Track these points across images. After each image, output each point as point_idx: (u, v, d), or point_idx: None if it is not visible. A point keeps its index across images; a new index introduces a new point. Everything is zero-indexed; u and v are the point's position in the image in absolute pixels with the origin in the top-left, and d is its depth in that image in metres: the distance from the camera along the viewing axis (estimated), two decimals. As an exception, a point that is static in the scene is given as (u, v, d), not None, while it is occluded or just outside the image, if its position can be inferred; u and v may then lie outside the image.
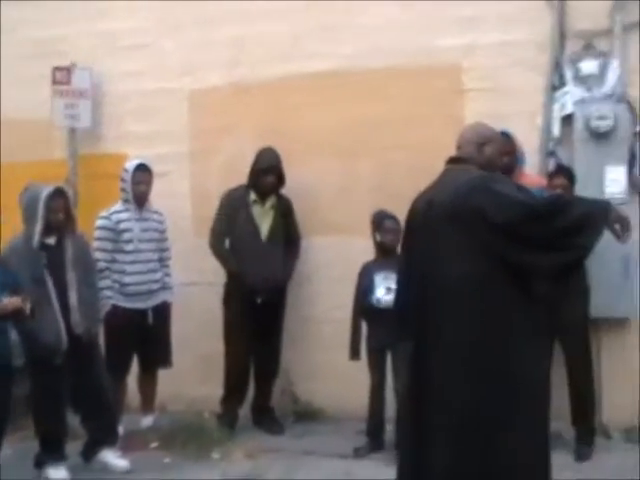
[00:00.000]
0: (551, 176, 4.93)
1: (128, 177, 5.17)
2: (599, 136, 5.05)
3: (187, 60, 6.00)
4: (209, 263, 5.49)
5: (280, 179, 5.36)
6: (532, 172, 4.95)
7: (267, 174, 5.28)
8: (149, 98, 6.05)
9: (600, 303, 4.86)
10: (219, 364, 5.37)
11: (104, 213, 5.17)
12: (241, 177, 5.38)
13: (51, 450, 4.56)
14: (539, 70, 5.29)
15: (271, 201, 5.36)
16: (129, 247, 5.12)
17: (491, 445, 3.10)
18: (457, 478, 3.14)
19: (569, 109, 5.21)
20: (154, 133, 6.01)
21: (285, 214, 5.41)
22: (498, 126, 3.91)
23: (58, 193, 4.61)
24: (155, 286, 5.22)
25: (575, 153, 5.15)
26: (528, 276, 3.13)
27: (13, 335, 4.30)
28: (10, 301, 4.17)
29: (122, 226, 5.12)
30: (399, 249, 4.70)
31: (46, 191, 4.53)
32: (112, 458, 4.74)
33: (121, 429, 4.97)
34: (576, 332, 4.73)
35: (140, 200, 5.20)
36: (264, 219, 5.33)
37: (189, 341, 5.67)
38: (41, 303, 4.36)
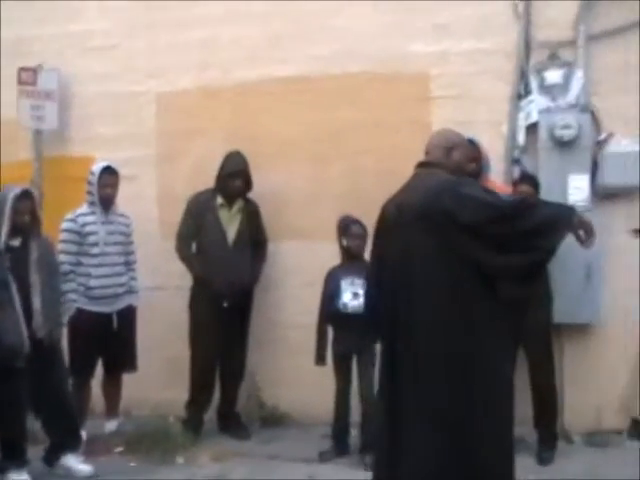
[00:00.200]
0: (516, 184, 5.01)
1: (94, 180, 5.13)
2: (563, 145, 5.13)
3: (156, 63, 5.98)
4: (175, 267, 5.47)
5: (247, 183, 5.36)
6: (497, 179, 5.01)
7: (234, 178, 5.28)
8: (117, 100, 6.02)
9: (563, 309, 4.94)
10: (185, 368, 5.34)
11: (70, 216, 5.13)
12: (209, 181, 5.37)
13: (13, 455, 4.49)
14: (505, 79, 5.37)
15: (238, 205, 5.35)
16: (95, 250, 5.08)
17: (460, 446, 3.14)
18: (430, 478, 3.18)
19: (534, 118, 5.29)
20: (121, 136, 5.97)
21: (252, 218, 5.40)
22: (465, 133, 3.94)
23: (25, 195, 4.57)
24: (121, 290, 5.18)
25: (539, 161, 5.23)
26: (494, 277, 3.18)
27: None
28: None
29: (88, 229, 5.08)
30: (365, 254, 4.81)
31: (13, 192, 4.49)
32: (75, 463, 4.69)
33: (84, 434, 4.92)
34: (539, 337, 4.79)
35: (106, 203, 5.17)
36: (231, 223, 5.32)
37: (155, 345, 5.64)
38: (4, 305, 4.30)
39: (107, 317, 5.10)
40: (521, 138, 5.33)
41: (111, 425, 5.31)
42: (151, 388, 5.62)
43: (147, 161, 5.98)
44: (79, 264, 5.05)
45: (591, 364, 5.23)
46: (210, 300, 5.20)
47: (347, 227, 4.95)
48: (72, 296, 4.99)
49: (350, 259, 4.95)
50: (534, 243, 3.11)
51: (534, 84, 5.33)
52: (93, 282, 5.05)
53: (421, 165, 3.45)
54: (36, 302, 4.51)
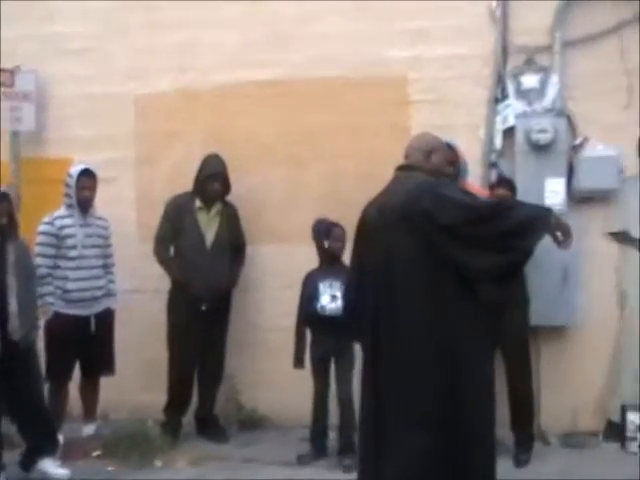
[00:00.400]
0: (493, 187, 5.06)
1: (72, 182, 5.10)
2: (539, 149, 5.18)
3: (134, 65, 5.96)
4: (154, 270, 5.45)
5: (226, 186, 5.36)
6: (475, 183, 5.04)
7: (212, 181, 5.28)
8: (95, 102, 5.98)
9: (539, 312, 4.98)
10: (163, 371, 5.33)
11: (47, 218, 5.09)
12: (187, 184, 5.36)
13: (-12, 460, 4.46)
14: (482, 83, 5.42)
15: (216, 208, 5.35)
16: (72, 253, 5.05)
17: (443, 446, 3.18)
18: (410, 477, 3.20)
19: (511, 122, 5.34)
20: (100, 138, 5.94)
21: (231, 221, 5.40)
22: (443, 137, 3.98)
23: (2, 197, 4.55)
24: (99, 293, 5.16)
25: (516, 165, 5.28)
26: (473, 278, 3.22)
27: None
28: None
29: (65, 232, 5.05)
30: (343, 257, 4.83)
31: (-10, 194, 4.47)
32: (52, 467, 4.65)
33: (61, 437, 4.88)
34: (516, 340, 4.81)
35: (84, 206, 5.14)
36: (209, 226, 5.31)
37: (133, 348, 5.62)
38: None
39: (85, 320, 5.07)
40: (498, 142, 5.38)
41: (89, 429, 5.28)
42: (129, 391, 5.60)
43: (125, 163, 5.95)
44: (56, 267, 5.02)
45: (567, 366, 5.29)
46: (188, 303, 5.19)
47: (330, 229, 4.96)
48: (49, 299, 4.95)
49: (329, 262, 4.96)
50: (512, 244, 3.16)
51: (511, 89, 5.38)
52: (71, 285, 5.02)
53: (401, 168, 3.50)
54: (12, 305, 4.47)
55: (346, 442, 4.82)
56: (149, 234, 5.45)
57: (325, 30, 5.65)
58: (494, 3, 5.41)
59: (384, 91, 5.52)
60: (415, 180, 3.35)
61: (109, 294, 5.24)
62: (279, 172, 5.68)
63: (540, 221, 3.19)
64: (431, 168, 3.44)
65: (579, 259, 5.19)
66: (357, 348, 4.41)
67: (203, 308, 5.20)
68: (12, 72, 5.98)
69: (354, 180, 5.43)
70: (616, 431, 5.15)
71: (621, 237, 5.30)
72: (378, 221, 3.35)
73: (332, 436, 4.98)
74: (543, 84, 5.33)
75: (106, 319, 5.21)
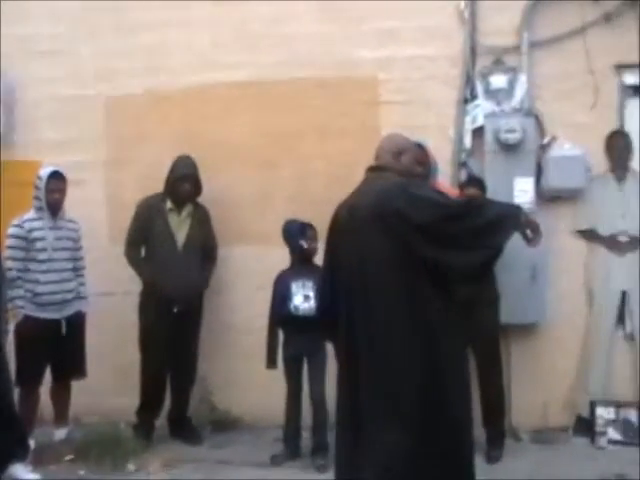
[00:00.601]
0: (463, 186, 5.10)
1: (42, 185, 5.06)
2: (508, 148, 5.24)
3: (104, 66, 5.92)
4: (125, 272, 5.43)
5: (196, 187, 5.35)
6: (445, 182, 5.08)
7: (183, 182, 5.27)
8: (65, 104, 5.94)
9: (509, 310, 5.03)
10: (135, 374, 5.30)
11: (16, 221, 5.04)
12: (158, 185, 5.34)
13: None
14: (451, 84, 5.46)
15: (187, 209, 5.34)
16: (42, 256, 5.01)
17: (421, 445, 3.20)
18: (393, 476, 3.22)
19: (480, 122, 5.39)
20: (70, 140, 5.90)
21: (202, 223, 5.39)
22: (413, 137, 4.02)
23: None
24: (69, 296, 5.12)
25: (485, 164, 5.33)
26: (446, 276, 3.25)
27: None
28: None
29: (35, 235, 5.01)
30: (315, 257, 4.85)
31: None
32: (23, 472, 4.61)
33: (33, 442, 4.84)
34: (486, 338, 4.86)
35: (54, 208, 5.10)
36: (180, 228, 5.30)
37: (104, 351, 5.59)
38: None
39: (55, 323, 5.03)
40: (467, 142, 5.43)
41: (60, 433, 5.24)
42: (101, 395, 5.57)
43: (95, 165, 5.92)
44: (26, 270, 4.97)
45: (537, 363, 5.35)
46: (160, 305, 5.17)
47: (304, 230, 4.97)
48: (19, 302, 4.91)
49: (301, 262, 4.97)
50: (483, 241, 3.21)
51: (480, 89, 5.43)
52: (41, 288, 4.98)
53: (371, 169, 3.53)
54: (-19, 309, 4.44)
55: (319, 442, 4.84)
56: (120, 236, 5.42)
57: (295, 31, 5.66)
58: (462, 4, 5.46)
59: (354, 92, 5.54)
60: (386, 181, 3.38)
61: (80, 297, 5.21)
62: (250, 173, 5.69)
63: (510, 219, 3.24)
64: (401, 169, 3.47)
65: (548, 257, 5.25)
66: (329, 348, 4.45)
67: (175, 310, 5.19)
68: (-21, 74, 5.92)
69: (325, 181, 5.46)
70: (585, 426, 5.22)
71: (589, 235, 5.37)
72: (350, 221, 3.37)
73: (305, 436, 4.99)
74: (511, 84, 5.38)
75: (77, 322, 5.17)
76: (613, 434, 5.11)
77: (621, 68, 5.36)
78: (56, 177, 5.09)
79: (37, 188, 5.09)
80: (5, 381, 4.62)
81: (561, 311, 5.31)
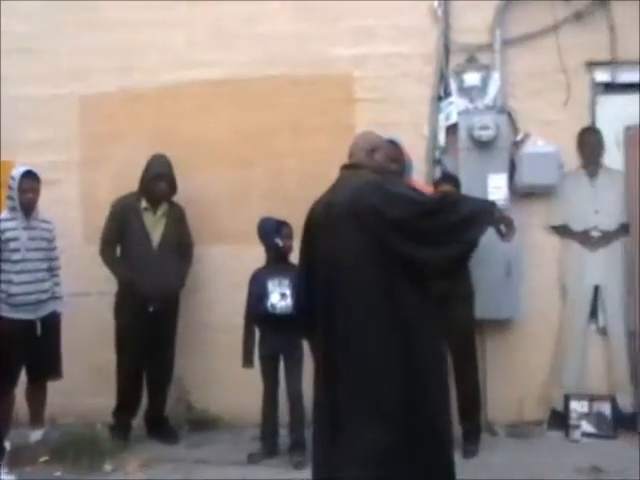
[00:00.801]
0: (437, 183, 5.13)
1: (15, 185, 5.01)
2: (482, 145, 5.28)
3: (78, 65, 5.88)
4: (100, 272, 5.39)
5: (172, 186, 5.34)
6: (419, 179, 5.11)
7: (158, 181, 5.25)
8: (38, 103, 5.88)
9: (484, 305, 5.06)
10: (111, 374, 5.28)
11: (-11, 221, 5.01)
12: (133, 185, 5.32)
13: None
14: (425, 81, 5.50)
15: (163, 209, 5.33)
16: (16, 256, 4.96)
17: (403, 441, 3.22)
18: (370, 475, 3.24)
19: (453, 119, 5.43)
20: (43, 139, 5.85)
21: (177, 222, 5.37)
22: (387, 135, 4.06)
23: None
24: (44, 296, 5.08)
25: (460, 161, 5.37)
26: (421, 271, 3.28)
27: None
28: None
29: (8, 235, 4.97)
30: (290, 255, 4.86)
31: None
32: (-2, 474, 4.59)
33: (8, 444, 4.80)
34: (462, 334, 4.88)
35: (27, 208, 5.06)
36: (156, 227, 5.29)
37: (80, 351, 5.55)
38: None
39: (30, 324, 4.99)
40: (441, 139, 5.47)
41: (36, 434, 5.19)
42: (77, 395, 5.54)
43: (70, 165, 5.88)
44: (0, 271, 4.93)
45: (512, 358, 5.40)
46: (135, 304, 5.15)
47: (280, 228, 4.97)
48: (-7, 303, 4.88)
49: (276, 260, 4.98)
50: (458, 236, 3.24)
51: (453, 86, 5.47)
52: (15, 289, 4.94)
53: (346, 167, 3.56)
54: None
55: (297, 439, 4.85)
56: (95, 235, 5.40)
57: (270, 29, 5.66)
58: (436, 2, 5.49)
59: (329, 89, 5.56)
60: (361, 178, 3.41)
61: (55, 297, 5.17)
62: (225, 171, 5.68)
63: (484, 214, 3.28)
64: (375, 166, 3.50)
65: (522, 253, 5.30)
66: (306, 346, 4.47)
67: (151, 309, 5.17)
68: (-49, 73, 5.86)
69: (299, 178, 5.48)
70: (560, 420, 5.28)
71: (562, 231, 5.43)
72: (326, 219, 3.39)
73: (283, 433, 5.00)
74: (484, 82, 5.43)
75: (52, 322, 5.13)
76: (587, 427, 5.18)
77: (592, 65, 5.43)
78: (29, 177, 5.05)
79: (10, 188, 5.04)
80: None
81: (535, 306, 5.36)
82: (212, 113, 5.69)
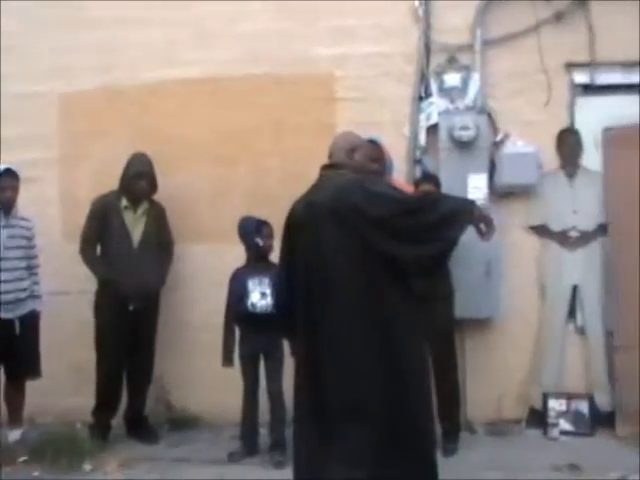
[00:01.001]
0: (418, 183, 5.15)
1: (-7, 183, 4.99)
2: (462, 145, 5.31)
3: (58, 63, 5.84)
4: (80, 270, 5.36)
5: (152, 185, 5.32)
6: (400, 179, 5.13)
7: (139, 179, 5.23)
8: (18, 101, 5.83)
9: (464, 304, 5.08)
10: (91, 373, 5.25)
11: (-33, 220, 4.97)
12: (113, 183, 5.30)
13: None
14: (406, 81, 5.52)
15: (143, 207, 5.31)
16: (-6, 255, 4.95)
17: (387, 440, 3.24)
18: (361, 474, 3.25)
19: (434, 119, 5.46)
20: (23, 137, 5.79)
21: (158, 220, 5.36)
22: (368, 134, 4.07)
23: None
24: (22, 295, 5.05)
25: (440, 161, 5.40)
26: (403, 269, 3.29)
27: None
28: None
29: (-13, 233, 4.95)
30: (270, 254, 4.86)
31: None
32: (-24, 474, 4.56)
33: (-14, 444, 4.80)
34: (441, 333, 4.89)
35: (6, 206, 5.03)
36: (136, 225, 5.27)
37: (59, 350, 5.53)
38: None
39: (9, 323, 4.96)
40: (422, 139, 5.49)
41: (15, 434, 5.16)
42: (56, 394, 5.51)
43: (50, 163, 5.84)
44: (-22, 269, 4.91)
45: (491, 357, 5.43)
46: (115, 303, 5.13)
47: (260, 227, 4.97)
48: (-29, 302, 4.84)
49: (257, 259, 4.98)
50: (438, 234, 3.27)
51: (434, 87, 5.50)
52: (-7, 288, 4.92)
53: (326, 167, 3.57)
54: None
55: (277, 438, 4.85)
56: (75, 234, 5.36)
57: (252, 28, 5.66)
58: (417, 2, 5.51)
59: (310, 89, 5.57)
60: (343, 177, 3.43)
61: (34, 296, 5.14)
62: (206, 170, 5.67)
63: (464, 212, 3.31)
64: (355, 165, 3.53)
65: (501, 252, 5.34)
66: (286, 344, 4.47)
67: (131, 308, 5.15)
68: None
69: (280, 177, 5.48)
70: (538, 418, 5.32)
71: (540, 230, 5.47)
72: (307, 218, 3.41)
73: (263, 432, 5.00)
74: (465, 82, 5.46)
75: (31, 321, 5.11)
76: (565, 425, 5.22)
77: (571, 67, 5.47)
78: (8, 175, 5.02)
79: (-11, 186, 5.02)
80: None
81: (514, 305, 5.39)
82: (193, 111, 5.68)
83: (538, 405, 5.34)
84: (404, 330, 3.30)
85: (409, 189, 4.97)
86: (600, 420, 5.24)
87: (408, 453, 3.26)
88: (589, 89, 5.51)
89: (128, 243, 5.23)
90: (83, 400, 5.26)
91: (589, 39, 5.39)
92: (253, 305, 4.85)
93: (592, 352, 5.35)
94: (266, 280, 4.81)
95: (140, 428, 5.36)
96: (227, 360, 4.91)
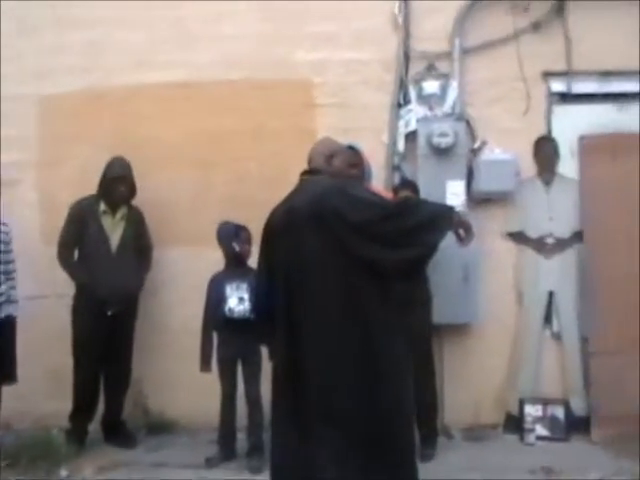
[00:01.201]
0: (396, 189, 5.18)
1: (-30, 185, 4.96)
2: (440, 152, 5.34)
3: (38, 65, 5.80)
4: (58, 274, 5.33)
5: (131, 189, 5.31)
6: (379, 185, 5.16)
7: (118, 183, 5.22)
8: (-2, 103, 5.82)
9: (442, 310, 5.11)
10: (68, 378, 5.21)
11: (-56, 224, 4.93)
12: (92, 187, 5.27)
13: None
14: (385, 88, 5.55)
15: (122, 212, 5.29)
16: (-29, 259, 4.90)
17: (362, 446, 3.26)
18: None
19: (413, 126, 5.49)
20: (2, 139, 5.74)
21: (136, 225, 5.34)
22: (347, 141, 4.09)
23: None
24: (-1, 299, 5.02)
25: (418, 168, 5.43)
26: (382, 274, 3.31)
27: None
28: None
29: (-37, 237, 4.90)
30: (249, 259, 4.87)
31: None
32: (-49, 480, 4.52)
33: (-38, 449, 4.75)
34: (419, 338, 4.87)
35: (-17, 210, 5.00)
36: (114, 230, 5.25)
37: (36, 355, 5.48)
38: None
39: (-15, 327, 4.93)
40: (401, 145, 5.53)
41: (-10, 439, 5.14)
42: (33, 400, 5.47)
43: (29, 165, 5.81)
44: (-46, 273, 4.86)
45: (469, 363, 5.47)
46: (93, 308, 5.11)
47: (238, 232, 4.97)
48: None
49: (235, 264, 4.98)
50: (418, 239, 3.29)
51: (413, 94, 5.54)
52: (-31, 292, 4.88)
53: (305, 173, 3.59)
54: None
55: (255, 443, 4.85)
56: (53, 238, 5.33)
57: (232, 32, 5.67)
58: (396, 10, 5.55)
59: (290, 94, 5.59)
60: (323, 182, 3.46)
61: (10, 301, 5.08)
62: (185, 174, 5.66)
63: (444, 218, 3.34)
64: (334, 171, 3.56)
65: (479, 258, 5.37)
66: (264, 349, 4.48)
67: (109, 312, 5.14)
68: None
69: (259, 182, 5.49)
70: (515, 423, 5.35)
71: (517, 237, 5.52)
72: (288, 223, 3.42)
73: (240, 437, 5.00)
74: (443, 90, 5.50)
75: (7, 326, 5.04)
76: (541, 430, 5.26)
77: (548, 75, 5.54)
78: (-15, 177, 4.99)
79: (-34, 189, 4.98)
80: None
81: (492, 311, 5.43)
82: (173, 115, 5.67)
83: (515, 410, 5.37)
84: (384, 332, 3.33)
85: (388, 195, 5.00)
86: (575, 425, 5.29)
87: (387, 459, 3.27)
88: (566, 98, 5.58)
89: (106, 248, 5.21)
90: (60, 405, 5.22)
91: (566, 48, 5.47)
92: (230, 310, 4.85)
93: (568, 358, 5.41)
94: (244, 285, 4.82)
95: (118, 433, 5.34)
96: (205, 365, 4.90)
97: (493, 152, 5.40)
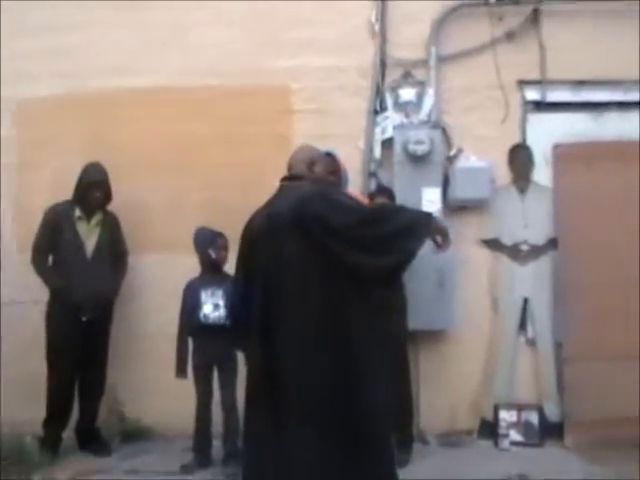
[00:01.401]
0: (372, 196, 5.20)
1: (-57, 190, 4.92)
2: (416, 159, 5.38)
3: (12, 69, 5.77)
4: (33, 280, 5.29)
5: (107, 195, 5.28)
6: (355, 191, 5.16)
7: (93, 189, 5.19)
8: (-28, 107, 5.77)
9: (418, 316, 5.12)
10: (43, 385, 5.16)
11: None
12: (67, 192, 5.24)
13: None
14: (362, 95, 5.58)
15: (97, 218, 5.26)
16: (-56, 264, 4.86)
17: (341, 452, 3.25)
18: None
19: (389, 133, 5.52)
20: (-25, 144, 5.75)
21: (111, 230, 5.32)
22: (323, 147, 4.10)
23: None
24: (-28, 305, 4.98)
25: (394, 175, 5.46)
26: (362, 278, 3.32)
27: None
28: None
29: (-64, 242, 4.86)
30: (225, 265, 4.86)
31: None
32: None
33: None
34: (395, 345, 4.89)
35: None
36: (90, 236, 5.22)
37: (10, 361, 5.44)
38: None
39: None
40: (377, 152, 5.55)
41: (-37, 447, 5.07)
42: (7, 407, 5.40)
43: (3, 170, 5.76)
44: None
45: (444, 369, 5.49)
46: (68, 314, 5.07)
47: (214, 239, 4.97)
48: None
49: (211, 271, 4.97)
50: (397, 245, 3.29)
51: (389, 101, 5.57)
52: (-58, 298, 4.83)
53: (286, 179, 3.59)
54: None
55: (230, 449, 4.83)
56: (28, 243, 5.29)
57: (208, 38, 5.68)
58: (373, 17, 5.58)
59: (267, 100, 5.60)
60: (305, 188, 3.46)
61: (-17, 306, 5.07)
62: (161, 180, 5.64)
63: (422, 224, 3.36)
64: (315, 178, 3.57)
65: (454, 265, 5.38)
66: (240, 355, 4.47)
67: (84, 318, 5.10)
68: None
69: (236, 189, 5.47)
70: (489, 429, 5.39)
71: (492, 244, 5.56)
72: (268, 229, 3.42)
73: (216, 444, 4.98)
74: (420, 97, 5.54)
75: (-19, 332, 5.03)
76: (515, 436, 5.30)
77: (523, 84, 5.59)
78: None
79: (-61, 194, 4.93)
80: None
81: (467, 317, 5.46)
82: (148, 121, 5.66)
83: (489, 416, 5.41)
84: (362, 334, 3.32)
85: (365, 201, 5.02)
86: (549, 430, 5.33)
87: (364, 455, 3.27)
88: (540, 106, 5.64)
89: (81, 253, 5.17)
90: (34, 412, 5.16)
91: (540, 57, 5.52)
92: (205, 316, 4.85)
93: (542, 363, 5.45)
94: (219, 292, 4.81)
95: (92, 440, 5.29)
96: (180, 371, 4.88)
97: (469, 160, 5.44)
